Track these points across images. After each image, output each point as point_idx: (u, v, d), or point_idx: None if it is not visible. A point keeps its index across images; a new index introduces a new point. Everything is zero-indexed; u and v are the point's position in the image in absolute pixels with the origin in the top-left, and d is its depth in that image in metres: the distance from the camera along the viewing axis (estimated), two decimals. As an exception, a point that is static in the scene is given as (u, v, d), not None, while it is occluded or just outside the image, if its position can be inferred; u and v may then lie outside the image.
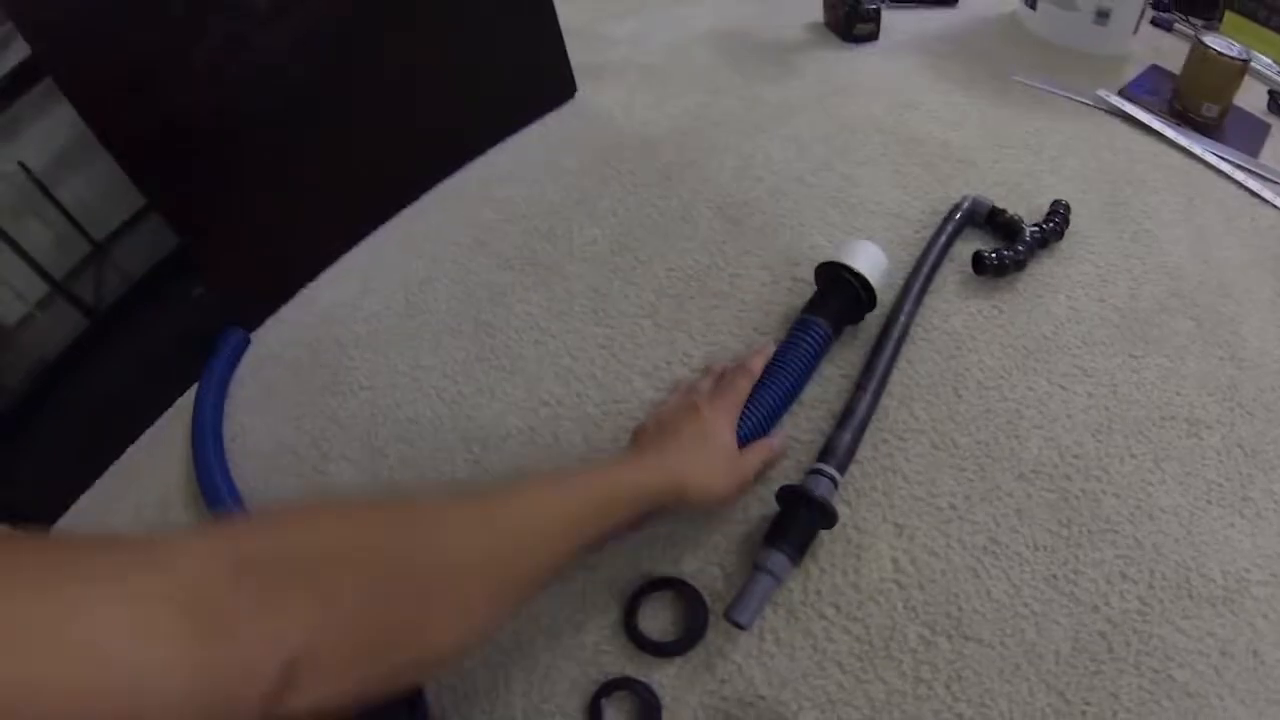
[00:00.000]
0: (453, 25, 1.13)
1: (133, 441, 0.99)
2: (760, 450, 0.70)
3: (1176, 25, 1.41)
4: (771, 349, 0.79)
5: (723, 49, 1.39)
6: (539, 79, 1.29)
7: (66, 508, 0.95)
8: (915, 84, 1.23)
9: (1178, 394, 0.79)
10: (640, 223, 1.05)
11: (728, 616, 0.62)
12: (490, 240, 1.07)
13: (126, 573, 0.31)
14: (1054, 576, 0.64)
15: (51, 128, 1.02)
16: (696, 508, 0.66)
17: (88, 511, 0.94)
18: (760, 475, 0.72)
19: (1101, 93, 1.17)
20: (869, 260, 0.82)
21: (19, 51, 0.97)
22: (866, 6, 1.31)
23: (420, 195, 1.19)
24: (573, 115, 1.28)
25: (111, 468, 0.98)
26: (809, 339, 0.78)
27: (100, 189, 1.07)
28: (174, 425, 0.97)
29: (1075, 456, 0.73)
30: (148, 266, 1.14)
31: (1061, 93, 1.20)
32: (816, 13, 1.43)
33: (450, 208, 1.15)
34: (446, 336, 0.97)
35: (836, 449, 0.71)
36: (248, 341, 1.05)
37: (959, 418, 0.76)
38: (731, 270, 0.94)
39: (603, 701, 0.62)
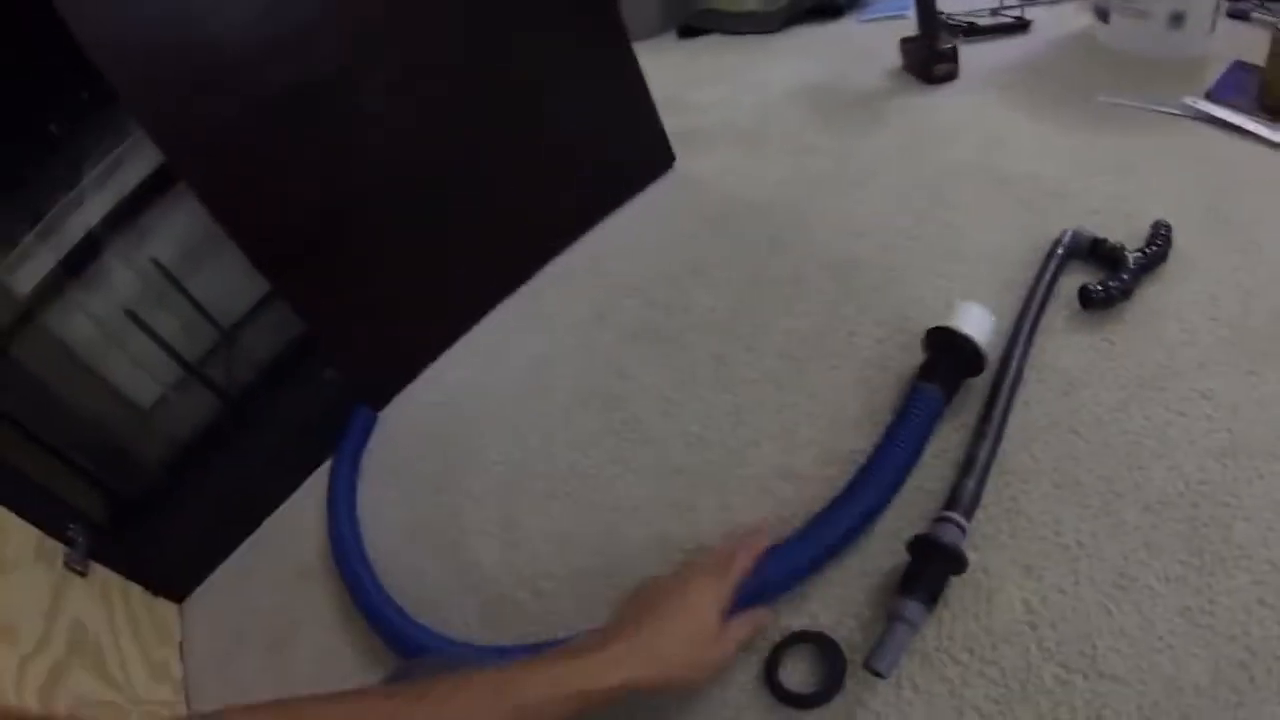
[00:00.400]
0: (555, 108, 1.22)
1: (267, 517, 1.10)
2: (746, 625, 0.70)
3: (1253, 14, 1.36)
4: (765, 537, 0.76)
5: (809, 105, 1.45)
6: (639, 152, 1.37)
7: (201, 580, 1.07)
8: (1000, 119, 1.26)
9: (1304, 409, 0.79)
10: (753, 288, 1.11)
11: (867, 665, 0.66)
12: (609, 314, 1.15)
13: None
14: (1188, 608, 0.66)
15: (182, 223, 1.15)
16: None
17: (223, 584, 1.06)
18: (745, 647, 0.72)
19: (1188, 100, 1.17)
20: (977, 324, 0.86)
21: (149, 159, 1.10)
22: (943, 47, 1.35)
23: (535, 273, 1.28)
24: (674, 185, 1.36)
25: (247, 541, 1.10)
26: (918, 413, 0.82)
27: (227, 279, 1.19)
28: (308, 501, 1.08)
29: (1201, 483, 0.74)
30: (277, 349, 1.26)
31: (1147, 106, 1.20)
32: (894, 58, 1.47)
33: (566, 284, 1.24)
34: (575, 410, 1.04)
35: (962, 496, 0.75)
36: (375, 419, 1.14)
37: (1079, 455, 0.79)
38: (847, 329, 1.00)
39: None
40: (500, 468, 1.01)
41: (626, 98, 1.31)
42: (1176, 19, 1.26)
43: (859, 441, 0.87)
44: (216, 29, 0.92)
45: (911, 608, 0.68)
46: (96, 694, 0.82)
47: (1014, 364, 0.86)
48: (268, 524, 1.10)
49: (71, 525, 0.95)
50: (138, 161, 1.12)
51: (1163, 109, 1.18)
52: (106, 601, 0.95)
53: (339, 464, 1.08)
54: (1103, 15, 1.36)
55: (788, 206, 1.22)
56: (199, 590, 1.07)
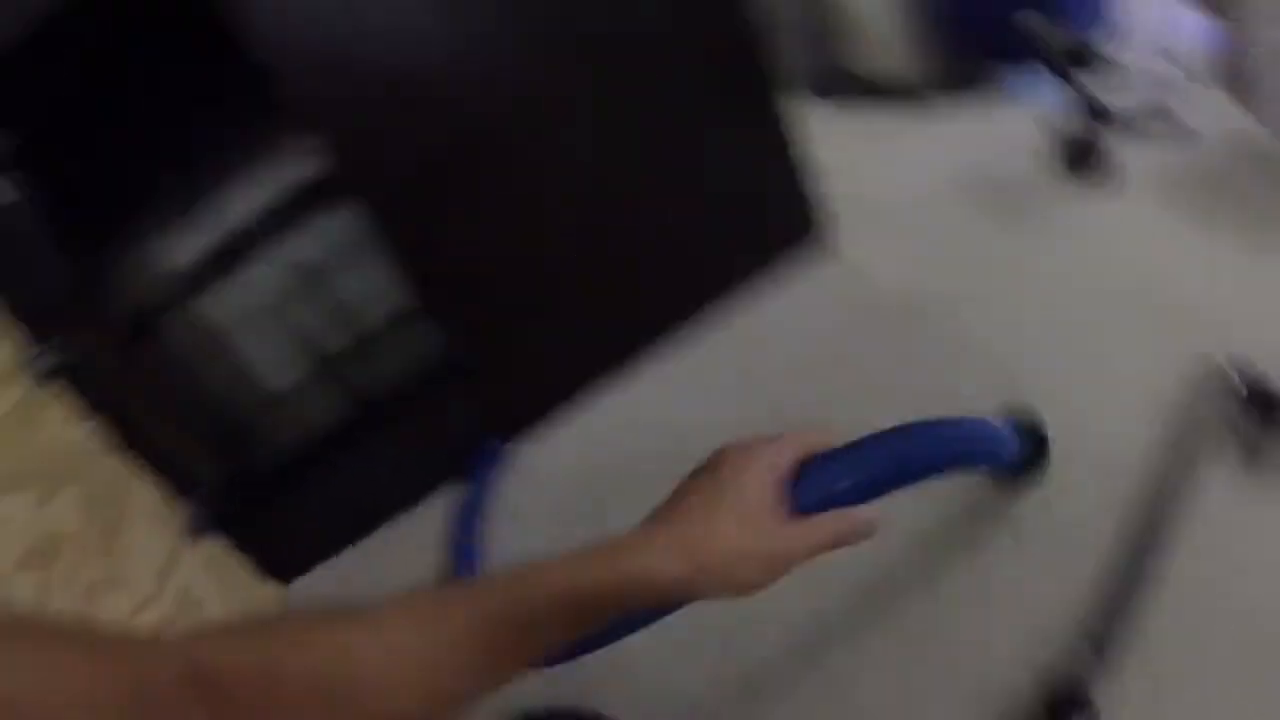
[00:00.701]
0: (707, 173, 1.24)
1: (382, 525, 1.15)
2: (826, 525, 0.56)
3: None
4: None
5: (963, 193, 1.41)
6: (790, 222, 1.36)
7: (307, 569, 1.12)
8: (1158, 234, 1.21)
9: None
10: (902, 383, 1.10)
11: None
12: (757, 388, 1.15)
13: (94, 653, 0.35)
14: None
15: (338, 228, 1.19)
16: (713, 598, 0.54)
17: (330, 579, 1.11)
18: (827, 549, 0.56)
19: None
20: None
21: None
22: (1101, 151, 1.30)
23: (680, 333, 1.29)
24: (829, 268, 1.34)
25: (361, 544, 1.14)
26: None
27: (372, 287, 1.23)
28: (427, 519, 1.12)
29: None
30: (417, 364, 1.28)
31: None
32: (1046, 145, 1.42)
33: (718, 352, 1.24)
34: None
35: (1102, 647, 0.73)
36: (506, 455, 1.17)
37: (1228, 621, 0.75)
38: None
39: None
40: (625, 527, 1.02)
41: (779, 165, 1.30)
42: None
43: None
44: (410, 74, 0.99)
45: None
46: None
47: (1165, 515, 0.82)
48: (383, 532, 1.14)
49: (195, 496, 1.01)
50: (301, 166, 1.16)
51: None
52: (216, 571, 1.00)
53: (469, 496, 1.11)
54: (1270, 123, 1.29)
55: (937, 307, 1.20)
56: (304, 579, 1.13)
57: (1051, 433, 0.89)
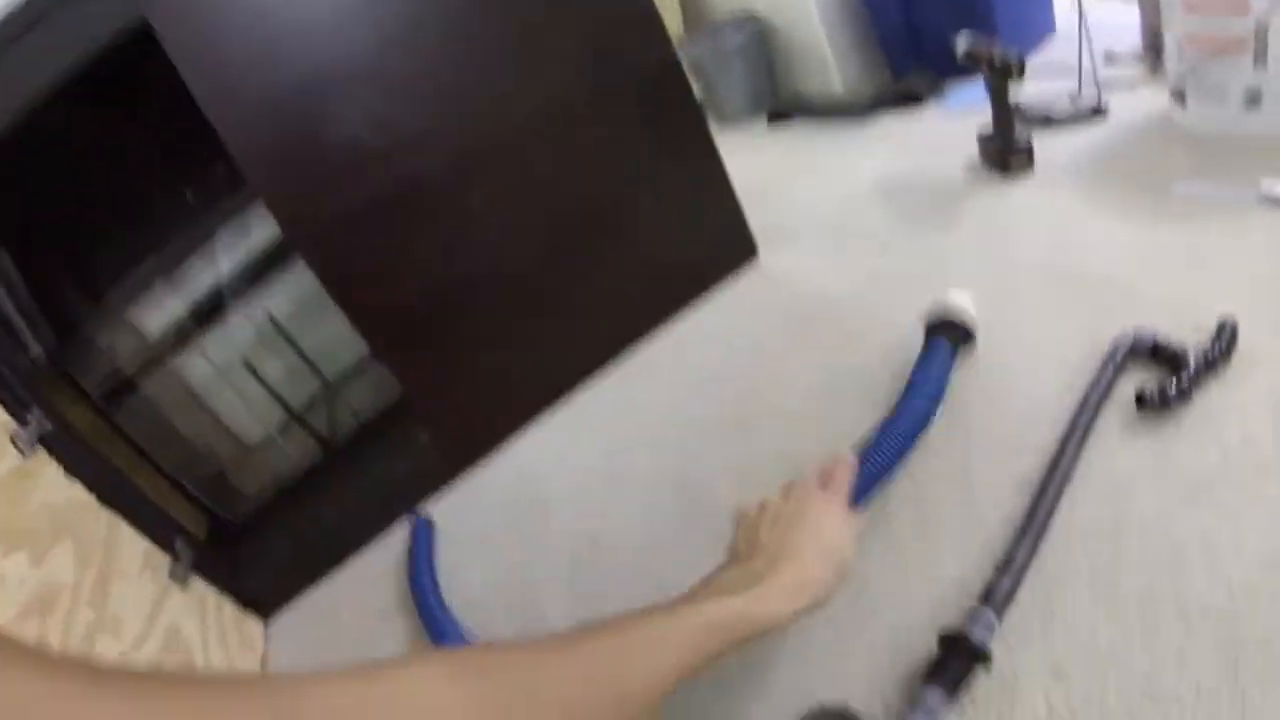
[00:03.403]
0: (642, 206, 1.33)
1: (352, 555, 1.23)
2: (856, 524, 0.77)
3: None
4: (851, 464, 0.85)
5: (890, 200, 1.50)
6: (722, 246, 1.45)
7: (287, 602, 1.20)
8: (1073, 214, 1.27)
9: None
10: (826, 383, 1.16)
11: (883, 752, 0.69)
12: (685, 405, 1.22)
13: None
14: (1216, 724, 0.66)
15: (297, 283, 1.29)
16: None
17: (308, 610, 1.18)
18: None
19: (1265, 185, 1.15)
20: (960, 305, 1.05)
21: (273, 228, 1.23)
22: (1018, 143, 1.37)
23: (618, 358, 1.38)
24: (756, 278, 1.43)
25: (334, 575, 1.22)
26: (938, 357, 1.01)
27: (335, 336, 1.32)
28: (392, 546, 1.21)
29: (1246, 595, 0.73)
30: (377, 406, 1.40)
31: (1223, 196, 1.18)
32: (974, 151, 1.50)
33: (646, 373, 1.32)
34: (647, 492, 1.11)
35: (996, 594, 0.77)
36: (430, 525, 1.23)
37: (1121, 560, 0.79)
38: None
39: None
40: (573, 540, 1.09)
41: (710, 196, 1.40)
42: (1252, 98, 1.24)
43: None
44: (343, 133, 1.07)
45: (932, 697, 0.70)
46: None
47: (1063, 465, 0.87)
48: (354, 562, 1.22)
49: (178, 541, 1.10)
50: (263, 228, 1.28)
51: (1238, 199, 1.17)
52: (201, 611, 1.08)
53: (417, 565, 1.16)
54: (1180, 98, 1.36)
55: (864, 306, 1.27)
56: (285, 612, 1.21)
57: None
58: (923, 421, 0.98)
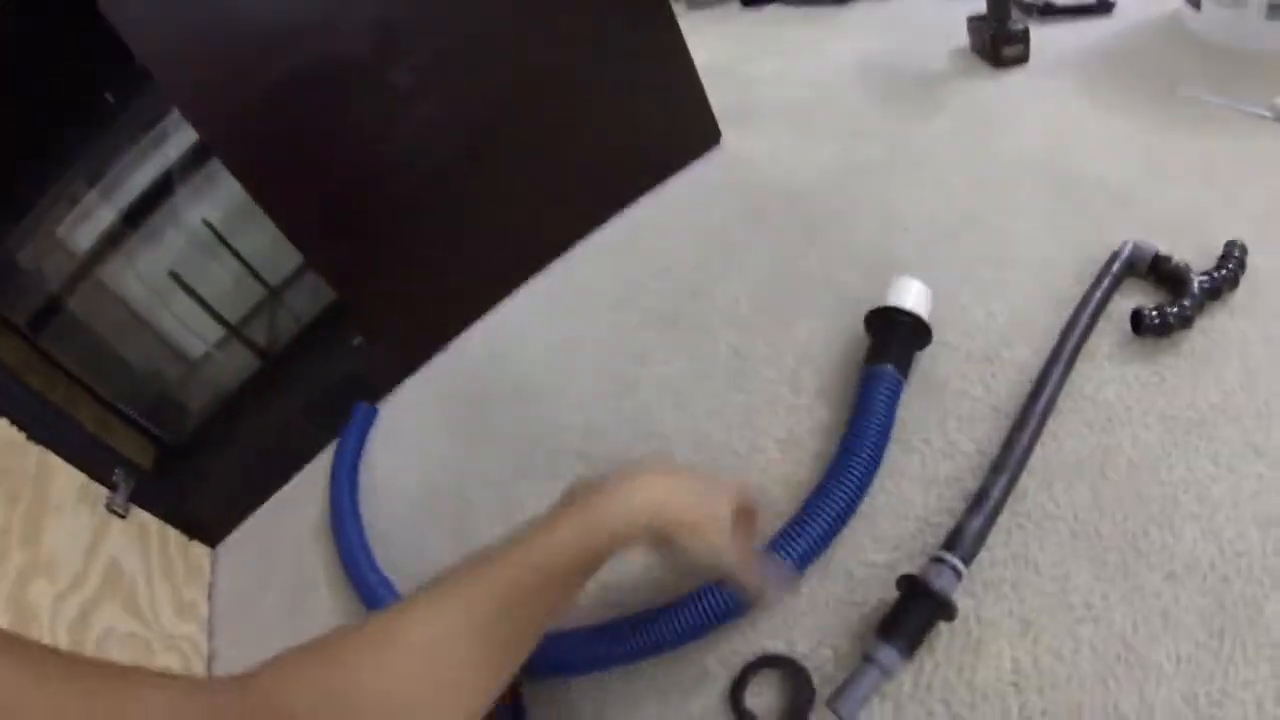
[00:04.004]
0: (594, 82, 1.19)
1: (296, 472, 1.14)
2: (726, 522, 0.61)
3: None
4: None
5: (866, 85, 1.38)
6: (682, 129, 1.33)
7: (233, 528, 1.12)
8: (1070, 111, 1.15)
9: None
10: (784, 281, 1.06)
11: (830, 705, 0.62)
12: (637, 296, 1.13)
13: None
14: (1194, 695, 0.59)
15: (228, 187, 1.16)
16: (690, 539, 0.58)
17: (254, 533, 1.11)
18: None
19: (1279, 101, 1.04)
20: (916, 298, 0.85)
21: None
22: (1013, 27, 1.23)
23: (570, 248, 1.27)
24: (718, 164, 1.32)
25: (277, 494, 1.14)
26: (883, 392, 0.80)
27: (273, 241, 1.19)
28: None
29: (1238, 553, 0.66)
30: (315, 313, 1.29)
31: (1234, 106, 1.07)
32: (963, 36, 1.35)
33: (599, 261, 1.22)
34: (591, 393, 1.03)
35: (964, 537, 0.69)
36: (375, 413, 1.16)
37: (1104, 503, 0.71)
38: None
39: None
40: (511, 443, 1.02)
41: (670, 73, 1.26)
42: (1275, 8, 1.11)
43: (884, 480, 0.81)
44: (246, 12, 0.92)
45: (887, 653, 0.62)
46: (124, 627, 0.87)
47: (1047, 391, 0.78)
48: (297, 479, 1.13)
49: (116, 470, 1.00)
50: (186, 129, 1.13)
51: (1252, 110, 1.06)
52: (143, 543, 0.99)
53: (339, 462, 1.09)
54: (1194, 0, 1.22)
55: (831, 196, 1.16)
56: (231, 537, 1.12)
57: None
58: (865, 485, 0.78)
